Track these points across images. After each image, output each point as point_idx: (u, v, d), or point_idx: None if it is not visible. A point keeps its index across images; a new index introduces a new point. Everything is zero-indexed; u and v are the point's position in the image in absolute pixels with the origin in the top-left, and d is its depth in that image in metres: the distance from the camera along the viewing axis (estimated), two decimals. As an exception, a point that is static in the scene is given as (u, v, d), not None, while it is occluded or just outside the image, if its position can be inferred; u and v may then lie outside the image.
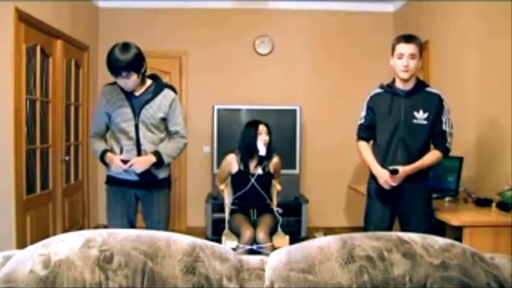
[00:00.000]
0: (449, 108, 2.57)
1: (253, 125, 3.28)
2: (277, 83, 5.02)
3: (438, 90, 2.62)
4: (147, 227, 2.64)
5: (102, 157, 2.61)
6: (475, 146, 3.35)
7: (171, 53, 4.97)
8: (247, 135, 3.27)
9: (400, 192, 2.53)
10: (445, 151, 2.53)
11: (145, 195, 2.66)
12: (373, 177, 2.66)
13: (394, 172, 2.46)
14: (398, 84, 2.58)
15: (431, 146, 2.58)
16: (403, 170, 2.47)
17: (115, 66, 2.39)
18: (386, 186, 2.52)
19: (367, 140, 2.74)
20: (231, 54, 5.05)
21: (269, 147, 3.27)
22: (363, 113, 2.72)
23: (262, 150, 3.22)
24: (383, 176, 2.52)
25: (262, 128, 3.25)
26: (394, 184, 2.49)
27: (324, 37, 5.09)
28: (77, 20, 4.39)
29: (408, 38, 2.51)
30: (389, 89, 2.63)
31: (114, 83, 2.59)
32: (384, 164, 2.56)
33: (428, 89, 2.58)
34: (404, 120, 2.51)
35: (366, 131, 2.71)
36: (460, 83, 3.62)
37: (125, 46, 2.42)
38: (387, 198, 2.59)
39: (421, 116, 2.50)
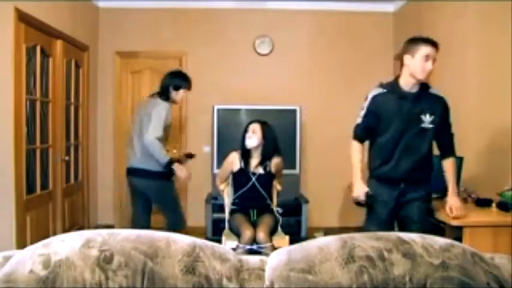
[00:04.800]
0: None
1: (247, 125, 3.33)
2: (277, 83, 5.02)
3: (438, 91, 2.59)
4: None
5: (169, 164, 3.23)
6: (475, 146, 3.35)
7: (171, 53, 4.96)
8: (242, 135, 3.32)
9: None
10: (455, 155, 2.62)
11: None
12: (373, 178, 2.66)
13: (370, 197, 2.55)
14: (404, 86, 2.48)
15: (439, 151, 2.63)
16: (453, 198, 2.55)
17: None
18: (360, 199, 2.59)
19: (362, 141, 2.67)
20: (231, 54, 5.04)
21: (264, 145, 3.26)
22: (363, 113, 2.60)
23: (249, 145, 3.25)
24: (359, 191, 2.57)
25: (251, 127, 3.28)
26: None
27: (324, 37, 5.09)
28: (77, 20, 4.38)
29: (434, 42, 2.41)
30: (392, 89, 2.52)
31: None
32: (385, 165, 2.56)
33: (432, 91, 2.53)
34: (412, 124, 2.46)
35: (363, 132, 2.63)
36: (460, 83, 3.62)
37: None
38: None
39: (427, 120, 2.46)
